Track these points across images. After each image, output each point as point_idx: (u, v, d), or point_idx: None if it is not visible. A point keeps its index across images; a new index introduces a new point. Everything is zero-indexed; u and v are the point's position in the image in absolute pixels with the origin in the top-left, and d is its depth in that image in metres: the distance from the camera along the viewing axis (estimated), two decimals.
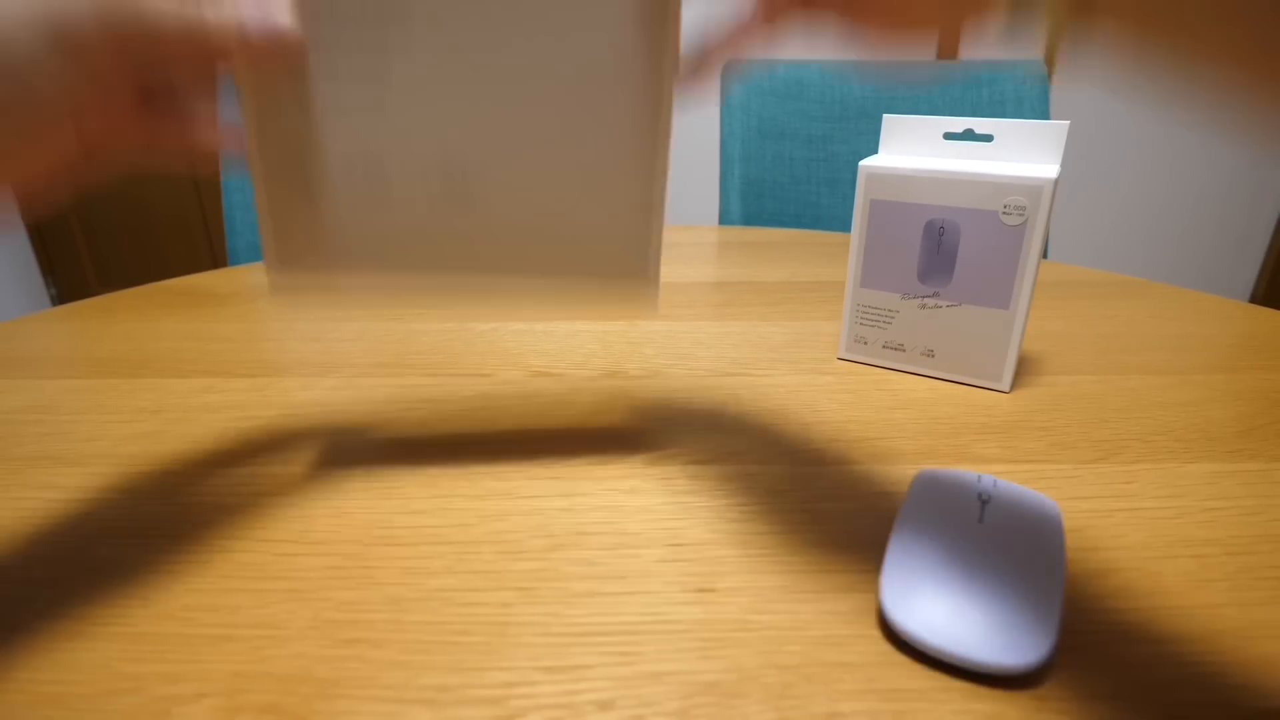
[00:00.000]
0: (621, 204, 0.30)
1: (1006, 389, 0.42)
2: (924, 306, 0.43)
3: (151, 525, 0.30)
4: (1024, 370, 0.45)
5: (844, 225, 1.02)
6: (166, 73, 0.25)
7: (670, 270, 0.68)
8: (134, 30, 0.22)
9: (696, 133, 1.93)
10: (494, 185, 0.30)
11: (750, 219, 1.02)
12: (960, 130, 0.41)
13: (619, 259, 0.31)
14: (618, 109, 0.29)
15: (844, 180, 1.03)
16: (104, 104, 0.23)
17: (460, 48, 0.28)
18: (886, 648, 0.24)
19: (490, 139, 0.29)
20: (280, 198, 0.29)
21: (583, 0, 0.27)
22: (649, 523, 0.30)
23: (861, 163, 0.42)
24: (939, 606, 0.23)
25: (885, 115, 0.43)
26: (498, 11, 0.27)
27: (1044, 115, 0.97)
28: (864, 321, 0.45)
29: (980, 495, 0.28)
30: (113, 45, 0.22)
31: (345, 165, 0.29)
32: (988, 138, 0.94)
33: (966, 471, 0.30)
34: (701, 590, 0.26)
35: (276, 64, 0.27)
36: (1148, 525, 0.30)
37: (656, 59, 0.28)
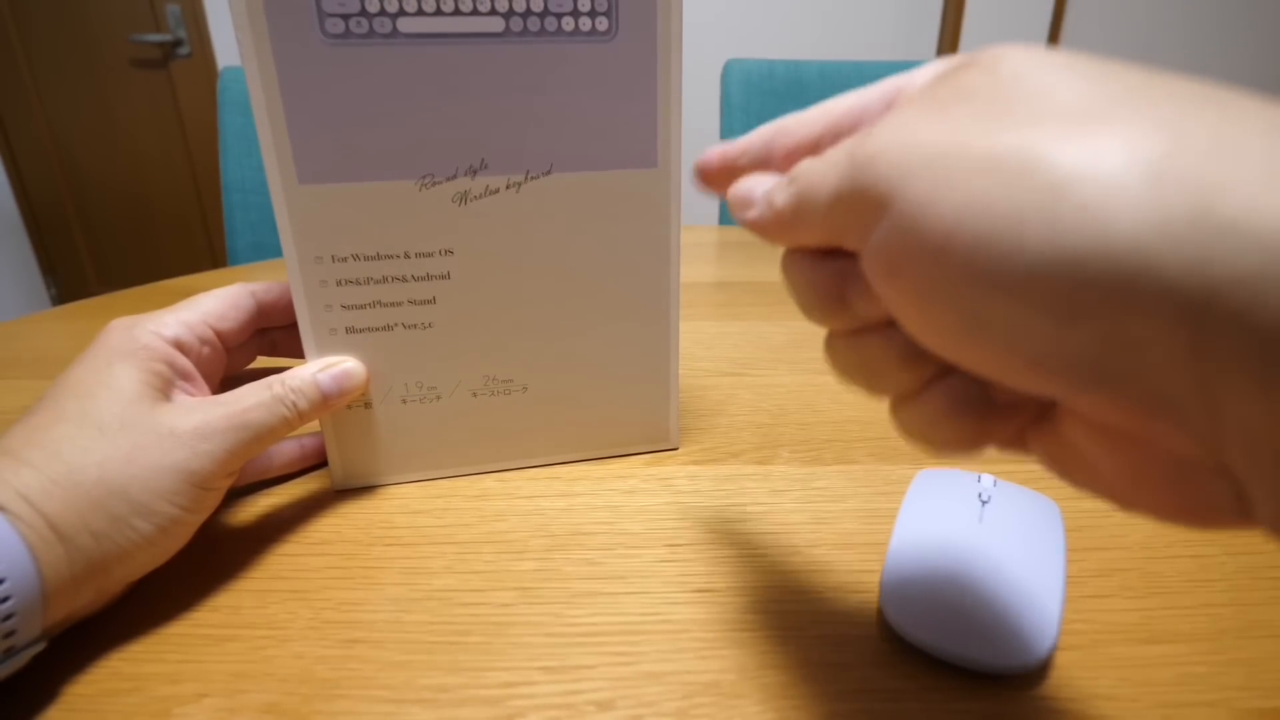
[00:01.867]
0: (645, 393, 0.35)
1: None
2: None
3: None
4: None
5: None
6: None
7: None
8: (250, 445, 0.27)
9: (697, 133, 1.94)
10: (532, 382, 0.33)
11: None
12: None
13: (645, 432, 0.36)
14: (640, 320, 0.33)
15: None
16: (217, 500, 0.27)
17: (497, 282, 0.31)
18: (886, 648, 0.24)
19: (528, 347, 0.32)
20: (344, 431, 0.32)
21: (602, 240, 0.31)
22: (649, 523, 0.30)
23: None
24: (939, 606, 0.23)
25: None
26: (529, 251, 0.31)
27: None
28: None
29: (980, 495, 0.28)
30: (236, 464, 0.26)
31: (399, 392, 0.32)
32: None
33: (966, 471, 0.30)
34: (701, 590, 0.26)
35: (353, 398, 0.31)
36: (1148, 525, 0.30)
37: (667, 271, 0.33)
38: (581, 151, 0.30)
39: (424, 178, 0.28)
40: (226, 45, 2.00)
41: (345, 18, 0.26)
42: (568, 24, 0.27)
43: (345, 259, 0.29)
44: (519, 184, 0.29)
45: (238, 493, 0.32)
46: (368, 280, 0.29)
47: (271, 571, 0.28)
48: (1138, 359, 0.11)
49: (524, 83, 0.28)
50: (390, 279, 0.30)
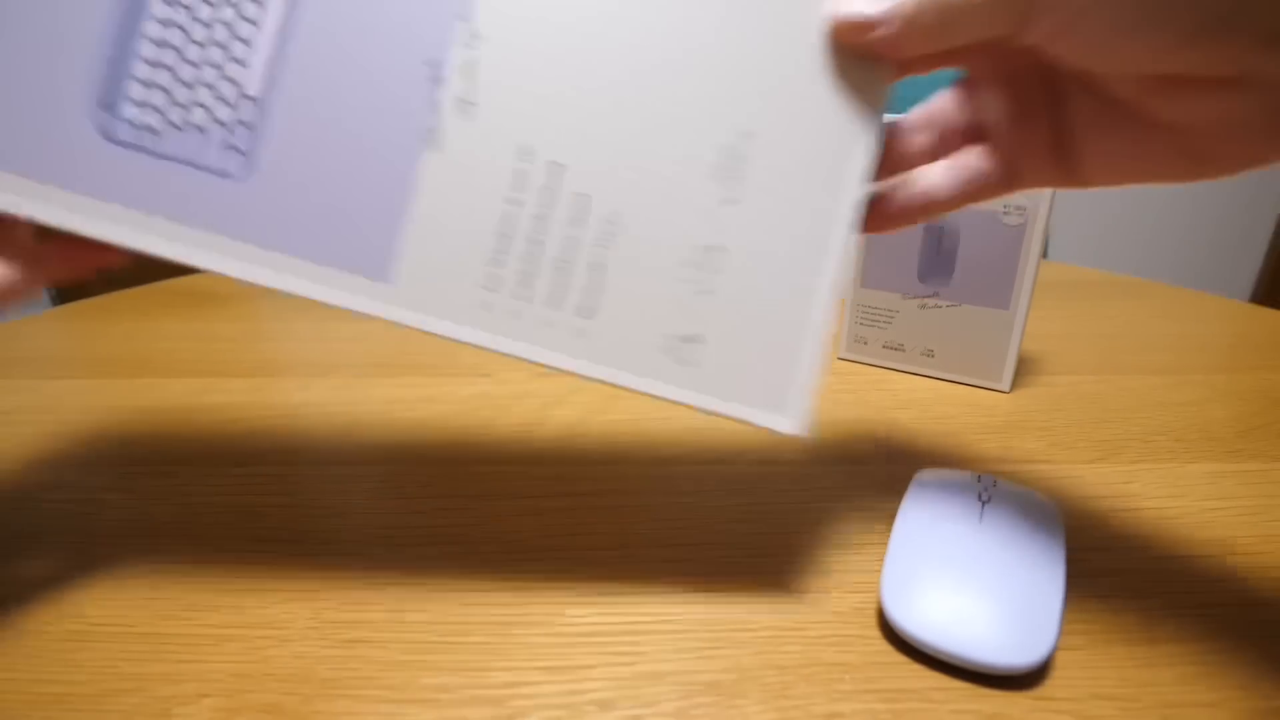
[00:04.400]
0: (770, 303, 0.23)
1: (1006, 389, 0.42)
2: (924, 307, 0.43)
3: (151, 525, 0.30)
4: (1024, 370, 0.45)
5: None
6: None
7: None
8: None
9: None
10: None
11: None
12: None
13: (756, 385, 0.23)
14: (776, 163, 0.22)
15: None
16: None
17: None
18: (886, 648, 0.24)
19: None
20: None
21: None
22: (649, 523, 0.30)
23: None
24: (939, 606, 0.23)
25: (885, 115, 0.43)
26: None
27: None
28: (864, 321, 0.45)
29: (980, 495, 0.28)
30: None
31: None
32: None
33: (966, 471, 0.30)
34: (701, 590, 0.26)
35: None
36: (1148, 525, 0.30)
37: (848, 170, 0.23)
38: None
39: None
40: None
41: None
42: None
43: None
44: None
45: (234, 492, 0.32)
46: None
47: (272, 571, 0.28)
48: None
49: None
50: None
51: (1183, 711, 0.21)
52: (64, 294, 2.29)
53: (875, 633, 0.24)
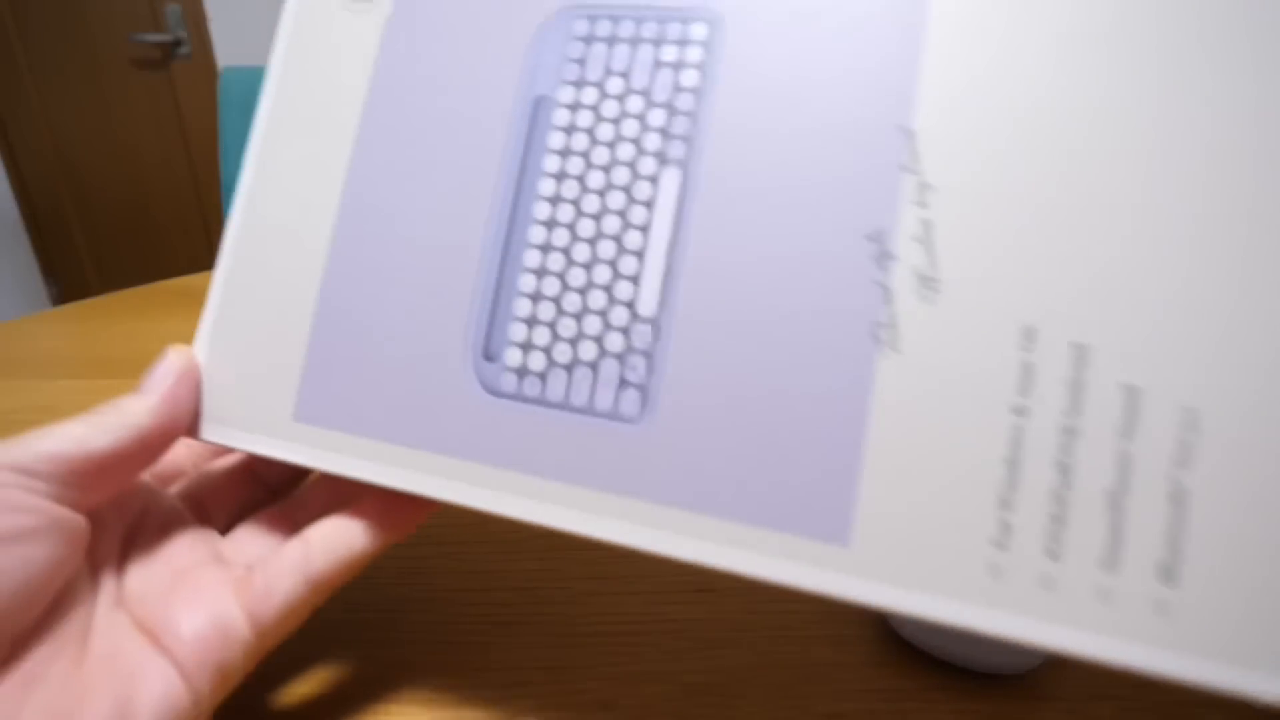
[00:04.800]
0: None
1: None
2: None
3: None
4: None
5: None
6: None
7: None
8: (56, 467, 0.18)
9: None
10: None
11: None
12: None
13: None
14: None
15: None
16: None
17: None
18: (886, 648, 0.24)
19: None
20: None
21: None
22: None
23: None
24: None
25: None
26: None
27: None
28: None
29: None
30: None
31: None
32: None
33: None
34: (701, 590, 0.26)
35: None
36: None
37: None
38: None
39: None
40: (227, 46, 2.00)
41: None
42: None
43: None
44: None
45: None
46: None
47: None
48: None
49: None
50: None
51: (1183, 711, 0.21)
52: (64, 294, 2.30)
53: (875, 633, 0.24)
